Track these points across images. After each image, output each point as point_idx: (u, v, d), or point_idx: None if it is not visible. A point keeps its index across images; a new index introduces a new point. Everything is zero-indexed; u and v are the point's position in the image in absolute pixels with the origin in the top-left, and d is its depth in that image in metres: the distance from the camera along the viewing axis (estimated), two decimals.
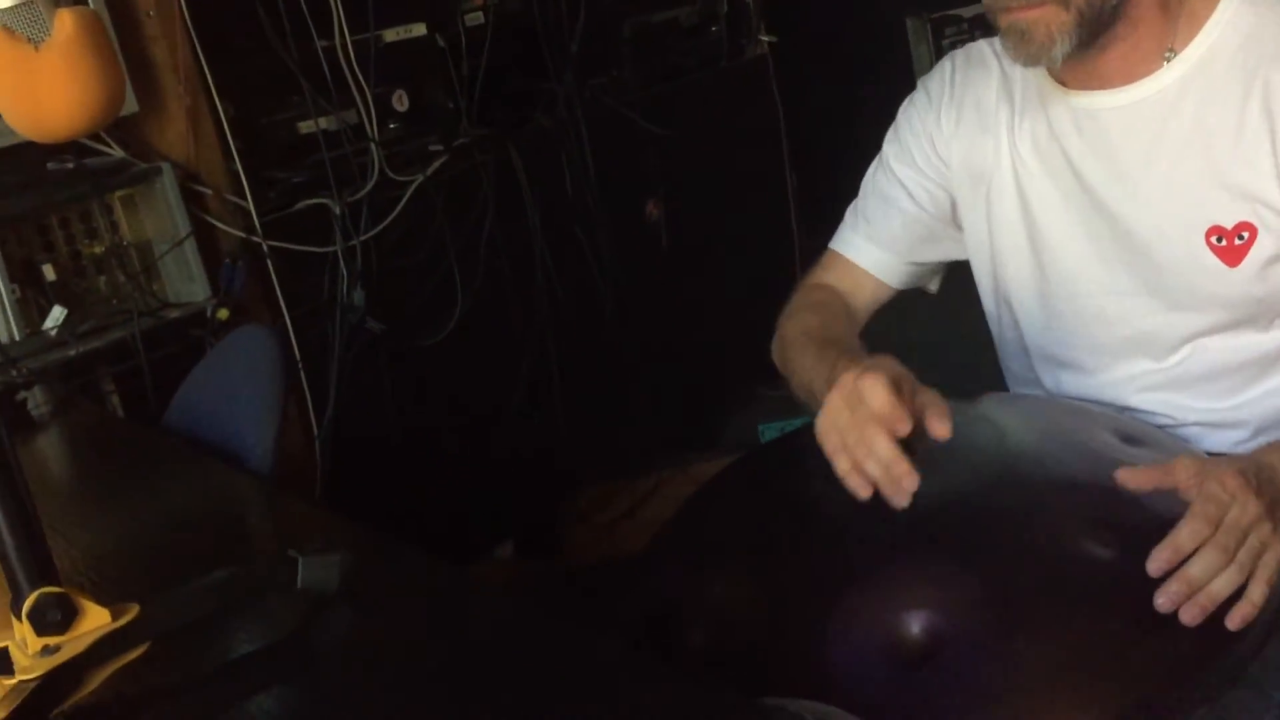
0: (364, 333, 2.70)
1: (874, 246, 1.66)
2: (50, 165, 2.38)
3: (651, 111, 3.32)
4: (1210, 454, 1.37)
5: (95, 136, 2.42)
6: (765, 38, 3.65)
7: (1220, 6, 1.37)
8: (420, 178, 2.80)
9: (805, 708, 0.79)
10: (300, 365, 2.58)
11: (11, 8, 1.06)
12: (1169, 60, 1.38)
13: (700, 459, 3.03)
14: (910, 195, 1.63)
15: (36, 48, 1.07)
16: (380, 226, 2.73)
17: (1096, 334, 1.49)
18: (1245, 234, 1.33)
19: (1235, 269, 1.34)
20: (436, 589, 1.23)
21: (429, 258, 2.84)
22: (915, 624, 1.05)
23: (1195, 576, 1.06)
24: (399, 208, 2.76)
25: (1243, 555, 1.07)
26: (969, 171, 1.57)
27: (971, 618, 1.06)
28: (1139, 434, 1.33)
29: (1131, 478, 1.16)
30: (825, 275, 1.71)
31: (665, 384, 3.38)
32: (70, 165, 2.38)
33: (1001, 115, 1.53)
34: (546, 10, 3.11)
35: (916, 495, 1.13)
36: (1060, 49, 1.33)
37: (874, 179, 1.69)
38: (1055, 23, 1.33)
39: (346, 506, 1.93)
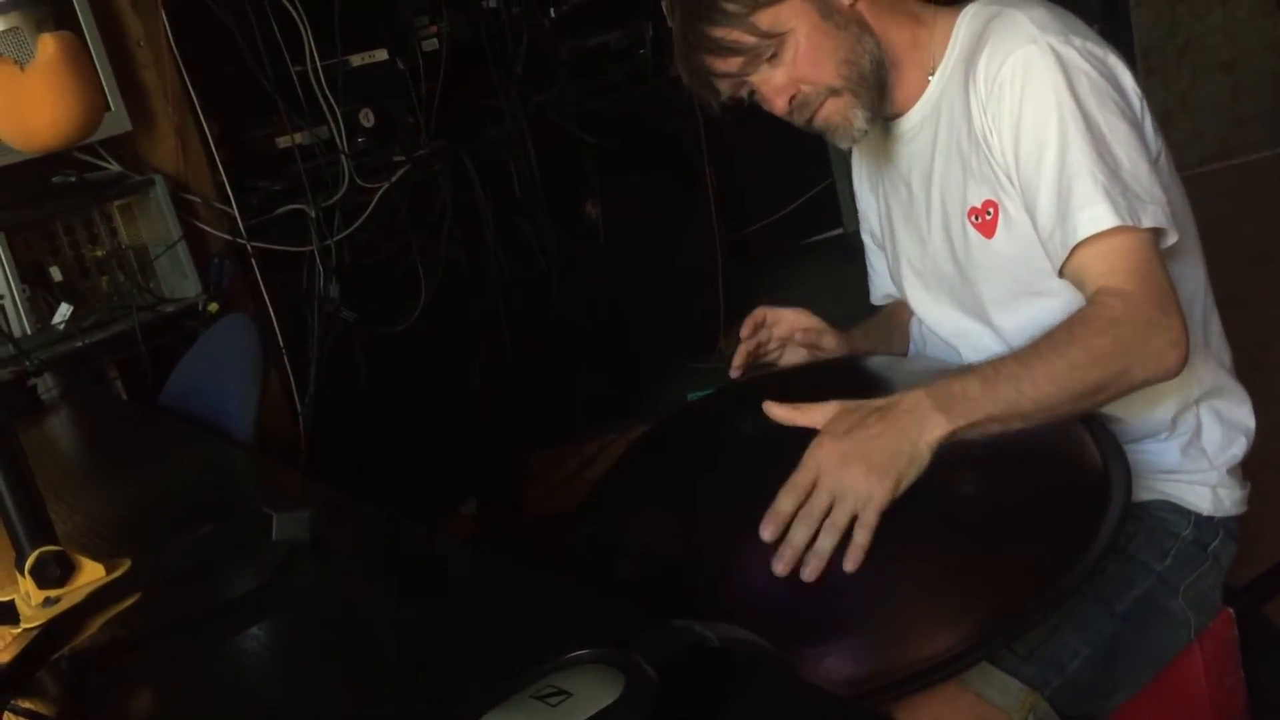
0: (339, 321, 2.68)
1: (883, 282, 1.66)
2: (55, 179, 2.35)
3: (588, 123, 3.32)
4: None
5: (94, 153, 2.38)
6: None
7: (956, 23, 1.38)
8: (386, 185, 2.77)
9: (710, 626, 0.79)
10: (283, 351, 2.56)
11: None
12: (932, 79, 1.39)
13: (638, 424, 3.02)
14: (877, 242, 1.64)
15: (22, 68, 1.04)
16: (351, 228, 2.71)
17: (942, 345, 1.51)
18: (991, 210, 1.33)
19: (992, 240, 1.34)
20: (396, 538, 1.22)
21: (395, 254, 2.82)
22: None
23: (796, 542, 1.05)
24: (367, 212, 2.74)
25: (836, 512, 1.05)
26: (876, 214, 1.60)
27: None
28: None
29: (772, 409, 1.17)
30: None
31: (606, 360, 3.38)
32: (73, 179, 2.35)
33: (868, 157, 1.57)
34: (494, 37, 3.10)
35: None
36: (859, 122, 1.35)
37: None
38: (842, 108, 1.35)
39: (328, 473, 1.92)
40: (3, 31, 1.05)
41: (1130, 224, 1.19)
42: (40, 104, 1.07)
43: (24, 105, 1.06)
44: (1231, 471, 1.40)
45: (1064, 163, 1.22)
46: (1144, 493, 1.37)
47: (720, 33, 1.31)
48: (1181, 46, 4.52)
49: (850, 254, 1.79)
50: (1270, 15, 4.35)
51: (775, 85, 1.34)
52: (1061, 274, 1.25)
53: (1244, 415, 1.43)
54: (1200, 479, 1.38)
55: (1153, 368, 1.17)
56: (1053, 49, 1.25)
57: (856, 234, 1.69)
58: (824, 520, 1.06)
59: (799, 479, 1.08)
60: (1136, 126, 1.27)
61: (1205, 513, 1.37)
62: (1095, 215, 1.20)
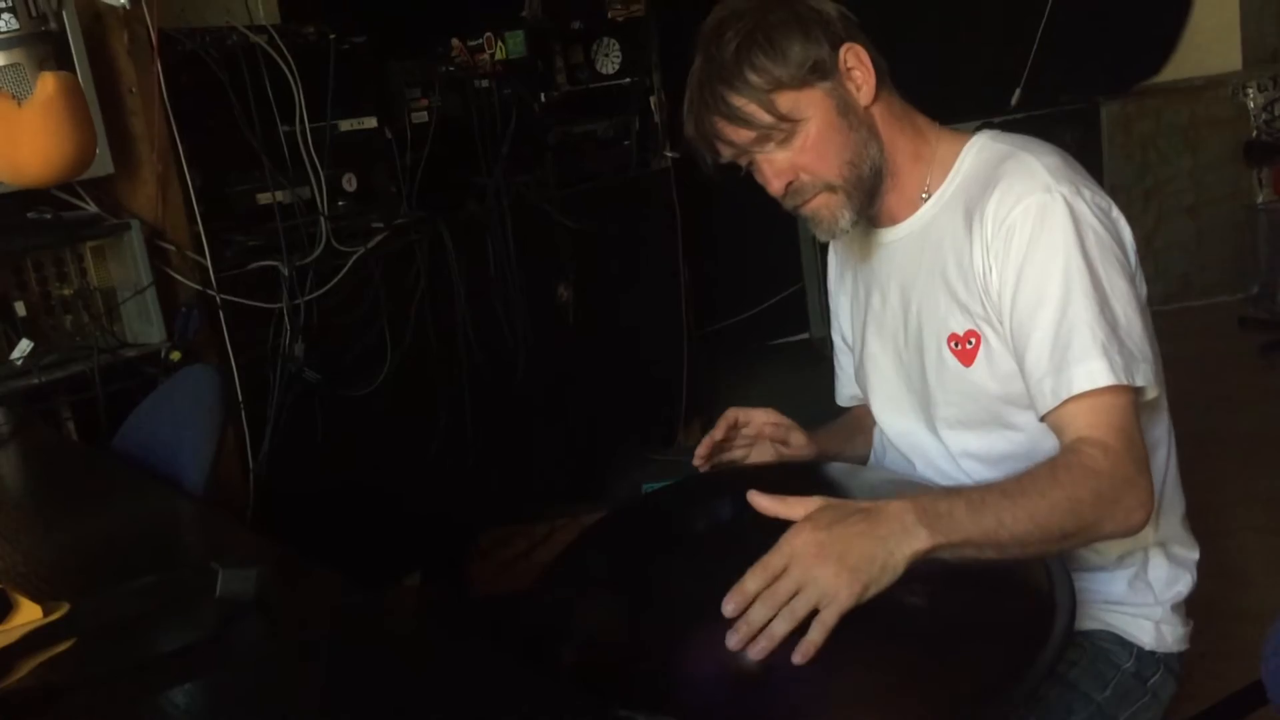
0: (302, 381, 2.67)
1: (850, 382, 1.68)
2: (30, 214, 2.34)
3: (568, 208, 3.36)
4: None
5: (73, 192, 2.39)
6: (669, 154, 3.71)
7: (962, 153, 1.41)
8: (362, 249, 2.79)
9: (651, 718, 0.79)
10: (242, 406, 2.54)
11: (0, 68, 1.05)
12: (926, 199, 1.42)
13: (590, 511, 3.01)
14: (847, 344, 1.66)
15: (19, 104, 1.05)
16: (323, 289, 2.71)
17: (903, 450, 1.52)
18: (973, 340, 1.36)
19: (970, 368, 1.37)
20: (344, 603, 1.21)
21: (364, 319, 2.82)
22: (745, 656, 1.06)
23: (753, 620, 1.05)
24: (341, 274, 2.75)
25: (797, 601, 1.05)
26: (848, 315, 1.63)
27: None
28: None
29: (756, 498, 1.16)
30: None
31: (564, 443, 3.38)
32: (49, 216, 2.34)
33: (846, 254, 1.60)
34: (483, 115, 3.14)
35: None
36: (845, 222, 1.38)
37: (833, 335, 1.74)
38: (832, 205, 1.38)
39: (273, 532, 1.89)
40: (4, 66, 1.06)
41: (1125, 383, 1.22)
42: (32, 140, 1.08)
43: (16, 139, 1.07)
44: (1176, 608, 1.42)
45: (1065, 314, 1.25)
46: (1088, 621, 1.38)
47: (738, 102, 1.32)
48: (1149, 188, 4.66)
49: (814, 359, 1.82)
50: (1235, 165, 4.50)
51: (777, 167, 1.36)
52: (1044, 418, 1.27)
53: (1192, 554, 1.45)
54: (1145, 613, 1.39)
55: (1120, 524, 1.20)
56: (1065, 200, 1.27)
57: (822, 339, 1.72)
58: (784, 605, 1.06)
59: (770, 561, 1.08)
60: (1132, 281, 1.30)
61: (1148, 647, 1.38)
62: (1092, 371, 1.22)
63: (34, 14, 1.06)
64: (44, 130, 1.06)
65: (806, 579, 1.06)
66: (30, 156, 1.07)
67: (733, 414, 1.54)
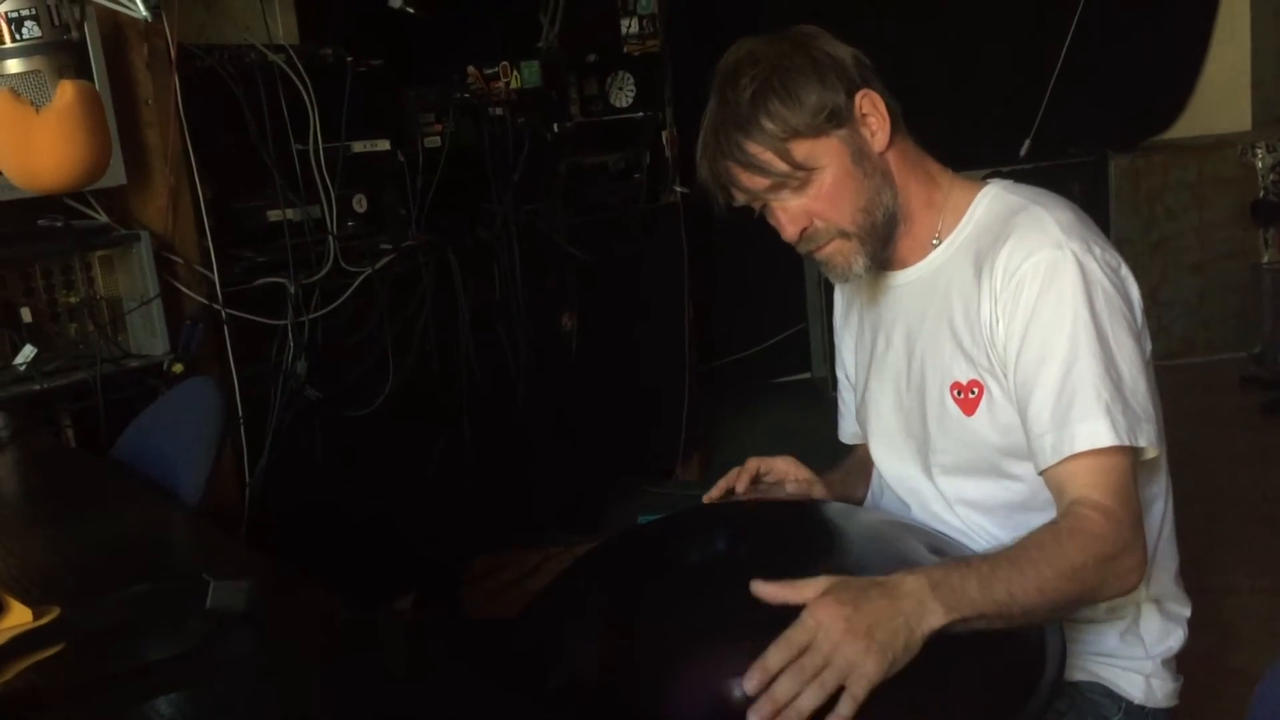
0: (302, 399, 2.67)
1: (853, 418, 1.67)
2: (41, 222, 2.35)
3: (575, 237, 3.37)
4: None
5: (85, 201, 2.40)
6: (679, 189, 3.73)
7: (974, 201, 1.42)
8: (369, 270, 2.80)
9: None
10: (241, 421, 2.54)
11: (20, 73, 1.06)
12: (937, 244, 1.43)
13: (584, 540, 3.01)
14: (850, 382, 1.66)
15: (37, 110, 1.07)
16: (329, 308, 2.72)
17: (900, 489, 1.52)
18: (976, 389, 1.36)
19: (971, 417, 1.37)
20: (334, 621, 1.21)
21: (367, 340, 2.83)
22: (736, 688, 1.05)
23: (779, 696, 1.03)
24: (347, 294, 2.76)
25: (826, 675, 1.03)
26: (852, 354, 1.63)
27: None
28: (943, 546, 1.35)
29: (762, 589, 1.12)
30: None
31: (561, 472, 3.37)
32: (59, 224, 2.35)
33: (854, 293, 1.60)
34: (495, 142, 3.16)
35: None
36: (858, 268, 1.39)
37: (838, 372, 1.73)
38: (846, 251, 1.39)
39: (266, 548, 1.89)
40: (24, 73, 1.07)
41: (1127, 443, 1.22)
42: (49, 146, 1.09)
43: (33, 145, 1.08)
44: (1166, 663, 1.41)
45: (1070, 371, 1.25)
46: (1078, 673, 1.38)
47: (754, 149, 1.32)
48: (1155, 242, 4.68)
49: (815, 399, 1.83)
50: (1242, 224, 4.52)
51: (792, 214, 1.36)
52: (1042, 473, 1.27)
53: (1184, 610, 1.45)
54: (1135, 666, 1.39)
55: (1117, 587, 1.21)
56: (1076, 257, 1.28)
57: (824, 379, 1.73)
58: (811, 680, 1.04)
59: (795, 636, 1.06)
60: (1138, 339, 1.31)
61: (1137, 701, 1.38)
62: (1094, 431, 1.22)
63: (56, 23, 1.07)
64: (60, 137, 1.07)
65: (834, 654, 1.04)
66: (45, 162, 1.08)
67: (754, 464, 1.53)
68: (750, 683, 1.04)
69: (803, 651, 1.05)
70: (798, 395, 4.67)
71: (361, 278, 2.78)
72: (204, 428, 1.75)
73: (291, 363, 2.64)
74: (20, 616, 1.06)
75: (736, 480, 1.51)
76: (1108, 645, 1.39)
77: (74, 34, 1.09)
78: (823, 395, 1.59)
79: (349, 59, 2.77)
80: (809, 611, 1.07)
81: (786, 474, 1.53)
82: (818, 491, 1.54)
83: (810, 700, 1.03)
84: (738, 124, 1.32)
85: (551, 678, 1.18)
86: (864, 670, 1.04)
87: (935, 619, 1.09)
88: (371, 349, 2.84)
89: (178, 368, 2.36)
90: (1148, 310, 1.37)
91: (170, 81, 2.42)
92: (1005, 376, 1.32)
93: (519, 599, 2.87)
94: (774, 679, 1.04)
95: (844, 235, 1.37)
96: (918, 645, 1.07)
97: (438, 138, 3.02)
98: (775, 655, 1.05)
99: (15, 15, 1.03)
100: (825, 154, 1.34)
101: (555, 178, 3.38)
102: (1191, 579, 1.47)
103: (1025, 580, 1.14)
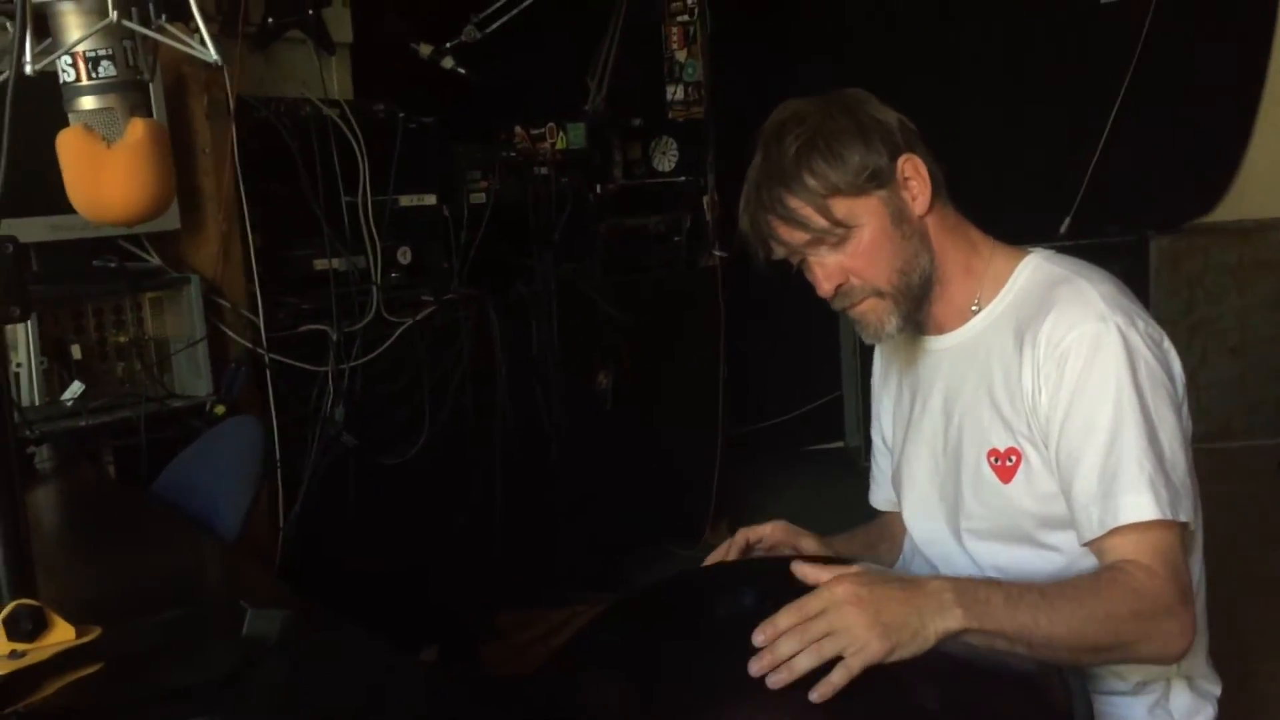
0: (339, 445, 2.71)
1: (886, 484, 1.68)
2: (96, 262, 2.41)
3: (614, 297, 3.42)
4: None
5: (139, 244, 2.46)
6: (718, 253, 3.78)
7: (1016, 270, 1.43)
8: (410, 321, 2.85)
9: None
10: (279, 464, 2.58)
11: (94, 110, 1.11)
12: (976, 311, 1.44)
13: (610, 600, 3.01)
14: (886, 445, 1.67)
15: (109, 145, 1.11)
16: (369, 356, 2.77)
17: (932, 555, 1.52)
18: (1014, 457, 1.37)
19: (1008, 485, 1.37)
20: (365, 659, 1.22)
21: (405, 390, 2.87)
22: None
23: (780, 652, 1.09)
24: (387, 343, 2.80)
25: (826, 643, 1.08)
26: (890, 416, 1.64)
27: None
28: None
29: (799, 569, 1.20)
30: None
31: (591, 530, 3.38)
32: (113, 265, 2.41)
33: (892, 357, 1.61)
34: (539, 201, 3.22)
35: None
36: (891, 327, 1.41)
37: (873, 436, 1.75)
38: (879, 310, 1.41)
39: (295, 590, 1.91)
40: (98, 110, 1.12)
41: (1170, 518, 1.23)
42: (116, 179, 1.13)
43: (101, 178, 1.13)
44: None
45: (1115, 444, 1.26)
46: None
47: (794, 204, 1.35)
48: (1194, 325, 4.66)
49: (848, 468, 1.83)
50: None
51: (828, 270, 1.39)
52: (1087, 544, 1.28)
53: (1214, 689, 1.44)
54: None
55: (1158, 649, 1.22)
56: (1120, 331, 1.29)
57: (857, 449, 1.73)
58: (813, 644, 1.08)
59: (808, 603, 1.12)
60: (1179, 414, 1.32)
61: None
62: (1138, 504, 1.24)
63: (130, 64, 1.12)
64: (128, 171, 1.12)
65: (840, 625, 1.10)
66: (113, 195, 1.12)
67: (742, 536, 1.53)
68: (758, 637, 1.10)
69: (812, 619, 1.10)
70: (830, 464, 4.64)
71: (403, 328, 2.83)
72: (245, 464, 1.79)
73: (330, 408, 2.68)
74: (64, 634, 1.08)
75: (726, 554, 1.51)
76: (1136, 718, 1.38)
77: (145, 75, 1.14)
78: (855, 464, 1.59)
79: (401, 115, 2.85)
80: (825, 585, 1.13)
81: (779, 542, 1.53)
82: (806, 543, 1.51)
83: (806, 662, 1.08)
84: (780, 179, 1.35)
85: None
86: (864, 646, 1.08)
87: (953, 621, 1.12)
88: (408, 399, 2.88)
89: (220, 409, 2.40)
90: (1187, 392, 1.37)
91: (228, 131, 2.49)
92: (1046, 447, 1.33)
93: (542, 657, 2.86)
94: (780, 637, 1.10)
95: (879, 294, 1.39)
96: (929, 641, 1.11)
97: (483, 194, 3.09)
98: (785, 617, 1.11)
99: (93, 55, 1.08)
100: (865, 213, 1.36)
101: (596, 238, 3.44)
102: (1222, 662, 1.46)
103: (1053, 612, 1.15)
